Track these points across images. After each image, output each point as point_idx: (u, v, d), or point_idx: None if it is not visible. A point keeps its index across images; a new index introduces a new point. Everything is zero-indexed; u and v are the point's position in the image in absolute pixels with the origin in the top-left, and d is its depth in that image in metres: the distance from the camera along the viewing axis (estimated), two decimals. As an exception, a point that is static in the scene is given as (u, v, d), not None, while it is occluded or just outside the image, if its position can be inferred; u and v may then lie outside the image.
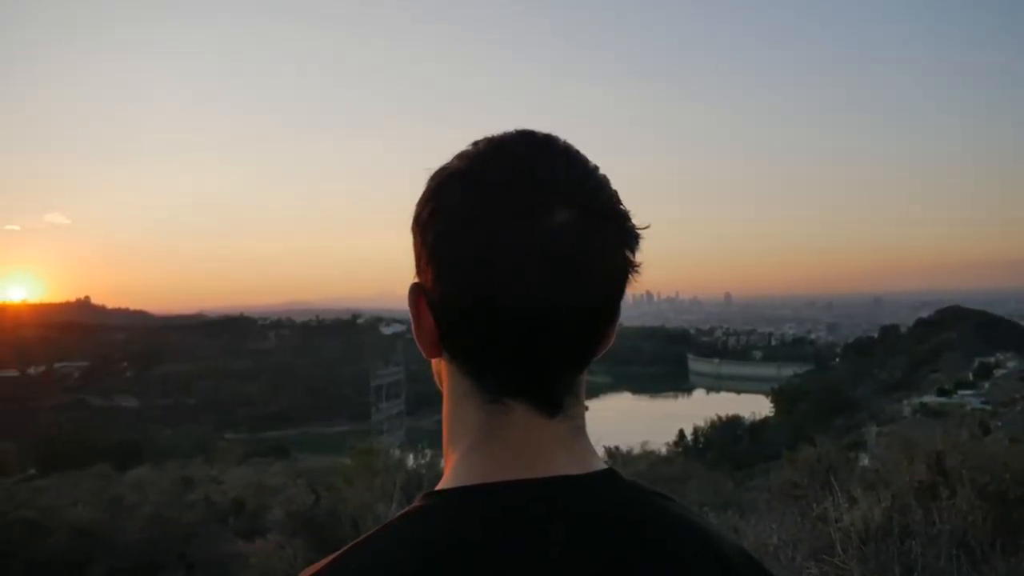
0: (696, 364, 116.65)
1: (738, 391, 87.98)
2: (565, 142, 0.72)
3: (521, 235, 0.65)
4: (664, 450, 19.83)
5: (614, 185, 0.71)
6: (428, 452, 12.84)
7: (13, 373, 77.87)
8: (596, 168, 0.72)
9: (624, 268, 0.70)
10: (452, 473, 0.70)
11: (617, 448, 14.70)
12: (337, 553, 0.66)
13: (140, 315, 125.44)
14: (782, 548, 3.58)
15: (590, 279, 0.67)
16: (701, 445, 49.69)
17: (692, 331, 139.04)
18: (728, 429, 53.92)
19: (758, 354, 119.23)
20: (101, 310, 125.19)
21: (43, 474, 22.72)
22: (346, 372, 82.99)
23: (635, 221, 0.72)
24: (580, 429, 0.73)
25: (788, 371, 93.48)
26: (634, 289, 0.75)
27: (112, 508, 11.31)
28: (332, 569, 0.64)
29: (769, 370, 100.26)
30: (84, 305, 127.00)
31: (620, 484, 0.71)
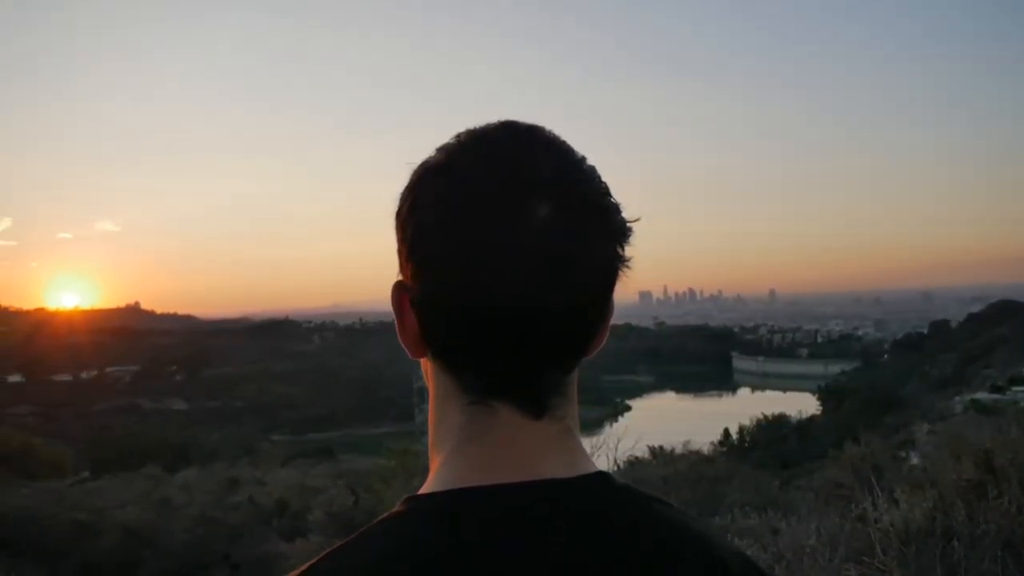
0: (740, 362, 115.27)
1: (784, 389, 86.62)
2: (550, 133, 0.70)
3: (500, 230, 0.63)
4: (709, 449, 19.60)
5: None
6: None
7: (67, 378, 79.81)
8: (582, 159, 0.69)
9: (611, 263, 0.67)
10: (435, 477, 0.68)
11: (661, 448, 14.56)
12: (314, 560, 0.64)
13: (188, 320, 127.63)
14: (820, 550, 3.51)
15: (573, 275, 0.64)
16: (747, 444, 49.03)
17: (736, 329, 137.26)
18: (774, 428, 53.06)
19: (804, 352, 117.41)
20: (150, 315, 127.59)
21: (96, 476, 23.21)
22: (389, 374, 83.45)
23: (625, 214, 0.69)
24: (570, 431, 0.70)
25: (835, 368, 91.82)
26: (628, 286, 0.71)
27: (160, 509, 11.54)
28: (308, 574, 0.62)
29: (815, 368, 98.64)
30: (134, 310, 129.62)
31: (611, 488, 0.68)
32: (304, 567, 0.63)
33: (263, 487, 11.93)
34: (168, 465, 21.80)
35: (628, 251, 0.69)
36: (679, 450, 15.45)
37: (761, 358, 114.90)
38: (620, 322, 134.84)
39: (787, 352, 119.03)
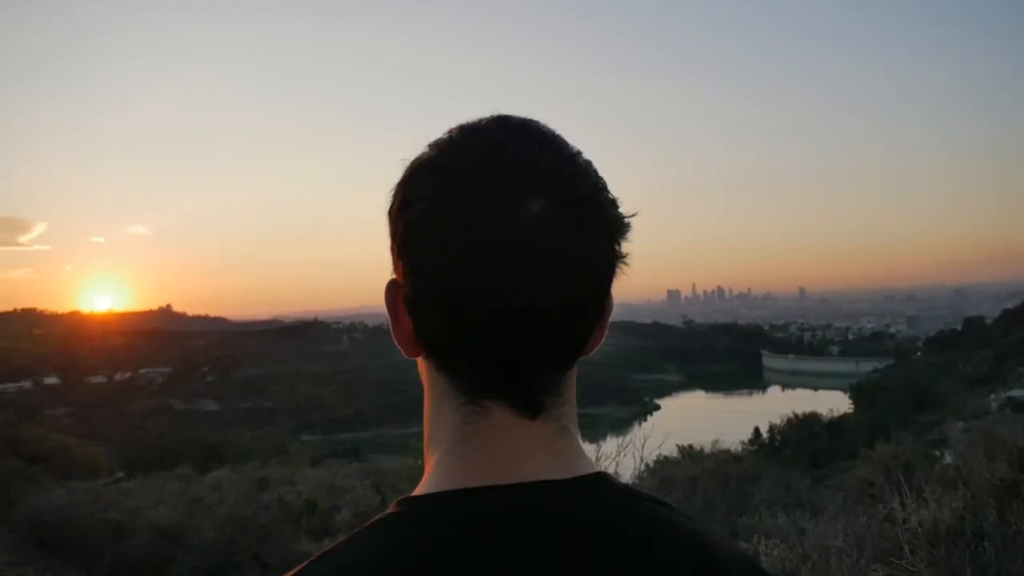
0: (770, 360, 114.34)
1: (815, 388, 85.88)
2: (544, 127, 0.68)
3: (490, 226, 0.61)
4: (739, 448, 19.46)
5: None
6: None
7: (102, 379, 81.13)
8: (577, 154, 0.67)
9: (607, 259, 0.66)
10: (428, 478, 0.67)
11: (691, 447, 14.48)
12: (305, 563, 0.63)
13: (219, 321, 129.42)
14: (847, 550, 3.47)
15: (565, 271, 0.62)
16: (778, 443, 48.65)
17: (766, 327, 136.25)
18: (805, 426, 52.59)
19: (835, 349, 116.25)
20: (182, 317, 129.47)
21: (130, 476, 23.55)
22: (418, 373, 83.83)
23: (623, 209, 0.67)
24: (566, 431, 0.68)
25: (867, 366, 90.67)
26: (622, 281, 0.69)
27: (192, 509, 11.66)
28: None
29: (847, 366, 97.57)
30: (166, 313, 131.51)
31: (608, 489, 0.67)
32: (296, 569, 0.62)
33: (293, 487, 12.00)
34: (200, 465, 22.01)
35: (626, 247, 0.67)
36: (708, 449, 15.36)
37: (791, 356, 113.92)
38: (648, 321, 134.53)
39: (818, 350, 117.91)
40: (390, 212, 0.67)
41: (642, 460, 8.06)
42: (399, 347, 0.70)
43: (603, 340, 0.71)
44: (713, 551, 0.66)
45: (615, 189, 0.66)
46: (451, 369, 0.67)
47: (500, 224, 0.61)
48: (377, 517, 0.65)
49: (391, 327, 0.70)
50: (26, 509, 14.70)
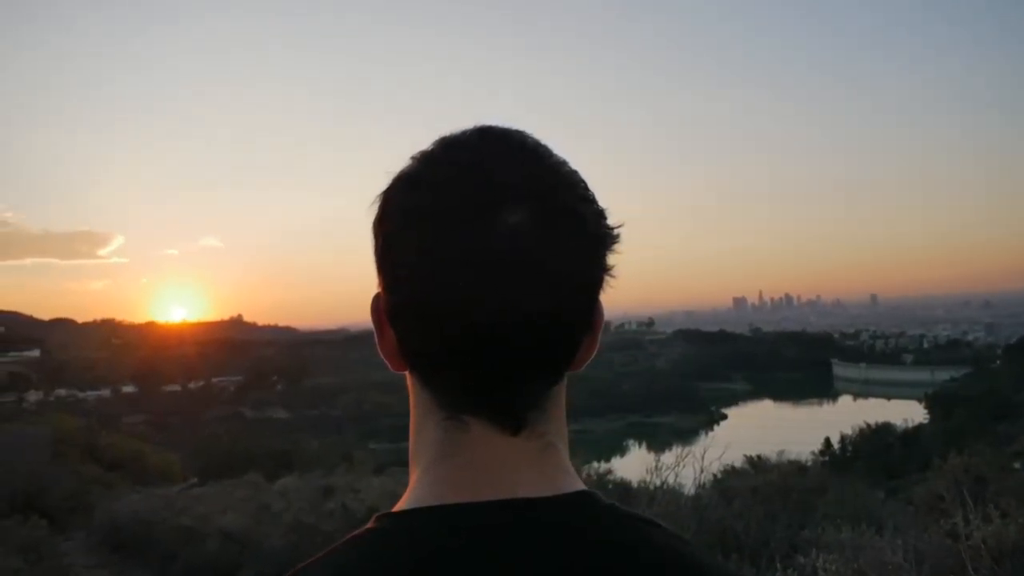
0: (841, 369, 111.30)
1: (888, 397, 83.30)
2: (527, 137, 0.67)
3: (464, 239, 0.60)
4: (808, 459, 19.05)
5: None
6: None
7: (176, 387, 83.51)
8: (562, 163, 0.66)
9: (588, 271, 0.64)
10: (409, 494, 0.66)
11: (758, 457, 14.24)
12: None
13: (287, 331, 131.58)
14: (905, 567, 3.37)
15: (546, 283, 0.61)
16: (849, 454, 47.42)
17: (836, 335, 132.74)
18: (878, 437, 51.16)
19: (909, 357, 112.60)
20: (252, 327, 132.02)
21: (203, 482, 24.16)
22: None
23: (610, 220, 0.66)
24: (551, 447, 0.67)
25: (943, 375, 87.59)
26: (611, 295, 0.67)
27: (259, 515, 11.95)
28: None
29: (922, 374, 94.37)
30: (237, 323, 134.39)
31: (592, 507, 0.65)
32: None
33: (356, 494, 12.19)
34: (269, 472, 22.44)
35: (613, 259, 0.66)
36: (773, 459, 15.07)
37: (863, 365, 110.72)
38: (713, 329, 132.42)
39: (891, 358, 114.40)
40: (373, 225, 0.67)
41: (701, 471, 7.99)
42: (385, 361, 0.70)
43: (593, 354, 0.69)
44: (706, 573, 0.64)
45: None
46: (433, 383, 0.66)
47: (475, 236, 0.60)
48: (355, 533, 0.64)
49: (376, 340, 0.70)
50: (104, 514, 15.23)
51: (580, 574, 0.60)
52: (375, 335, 0.70)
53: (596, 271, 0.65)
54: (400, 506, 0.65)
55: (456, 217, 0.61)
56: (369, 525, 0.64)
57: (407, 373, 0.70)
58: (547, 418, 0.67)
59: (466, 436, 0.65)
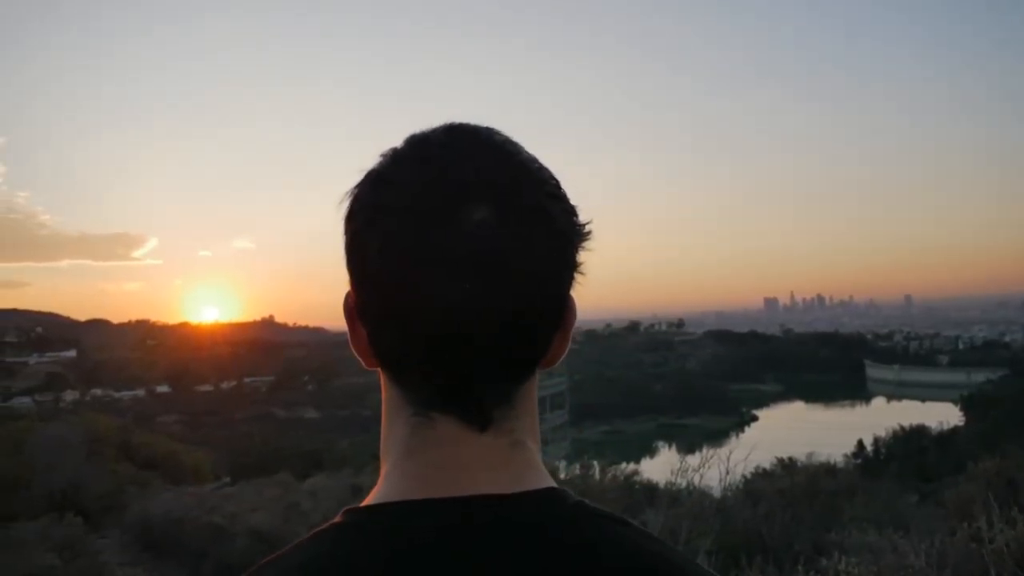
0: (874, 371, 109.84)
1: (922, 399, 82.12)
2: (496, 134, 0.67)
3: (429, 236, 0.60)
4: (839, 461, 18.85)
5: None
6: (594, 463, 12.99)
7: (209, 388, 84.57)
8: (530, 161, 0.66)
9: (556, 268, 0.65)
10: (377, 490, 0.67)
11: (790, 459, 14.14)
12: (246, 573, 0.63)
13: (318, 332, 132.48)
14: (926, 571, 3.34)
15: (511, 280, 0.61)
16: (883, 456, 46.85)
17: (869, 336, 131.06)
18: (913, 439, 50.46)
19: (944, 359, 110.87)
20: (284, 328, 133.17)
21: (234, 481, 24.45)
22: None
23: (580, 217, 0.66)
24: (520, 444, 0.67)
25: (979, 377, 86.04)
26: (583, 293, 0.67)
27: (288, 514, 12.10)
28: None
29: (957, 376, 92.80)
30: (269, 323, 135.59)
31: (557, 505, 0.65)
32: None
33: (384, 494, 12.33)
34: (299, 472, 22.65)
35: (583, 256, 0.66)
36: (803, 461, 14.94)
37: (897, 366, 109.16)
38: (744, 329, 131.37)
39: (925, 360, 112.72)
40: (343, 222, 0.67)
41: (728, 472, 7.94)
42: (357, 358, 0.71)
43: (565, 351, 0.70)
44: (669, 572, 0.63)
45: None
46: (402, 381, 0.67)
47: (439, 234, 0.60)
48: (322, 527, 0.65)
49: (349, 338, 0.71)
50: (137, 512, 15.47)
51: (541, 571, 0.60)
52: (348, 332, 0.71)
53: (564, 268, 0.65)
54: (367, 501, 0.66)
55: (421, 215, 0.61)
56: (337, 519, 0.65)
57: (379, 370, 0.71)
58: (516, 415, 0.67)
59: (433, 433, 0.65)
